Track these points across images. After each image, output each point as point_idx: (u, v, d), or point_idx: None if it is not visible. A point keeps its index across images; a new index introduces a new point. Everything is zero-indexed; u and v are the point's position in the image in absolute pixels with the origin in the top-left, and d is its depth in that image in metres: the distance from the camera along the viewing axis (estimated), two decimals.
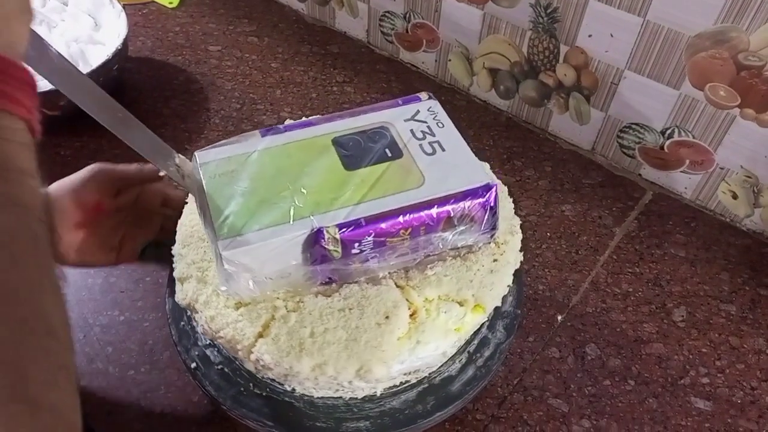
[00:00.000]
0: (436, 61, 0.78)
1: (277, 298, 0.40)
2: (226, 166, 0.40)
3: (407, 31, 0.79)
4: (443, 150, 0.42)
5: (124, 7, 0.74)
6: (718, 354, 0.53)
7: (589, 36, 0.62)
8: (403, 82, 0.79)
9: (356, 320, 0.39)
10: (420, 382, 0.43)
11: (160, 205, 0.52)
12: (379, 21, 0.81)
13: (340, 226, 0.37)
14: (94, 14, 0.76)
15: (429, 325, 0.39)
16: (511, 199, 0.49)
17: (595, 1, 0.59)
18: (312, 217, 0.37)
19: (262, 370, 0.39)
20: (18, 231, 0.25)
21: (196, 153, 0.42)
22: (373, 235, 0.37)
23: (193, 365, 0.44)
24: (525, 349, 0.53)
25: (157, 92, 0.77)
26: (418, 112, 0.44)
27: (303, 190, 0.39)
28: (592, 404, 0.50)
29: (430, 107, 0.45)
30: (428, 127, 0.43)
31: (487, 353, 0.45)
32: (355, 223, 0.37)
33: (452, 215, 0.39)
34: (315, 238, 0.36)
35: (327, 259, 0.38)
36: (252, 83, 0.79)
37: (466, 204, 0.39)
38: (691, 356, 0.53)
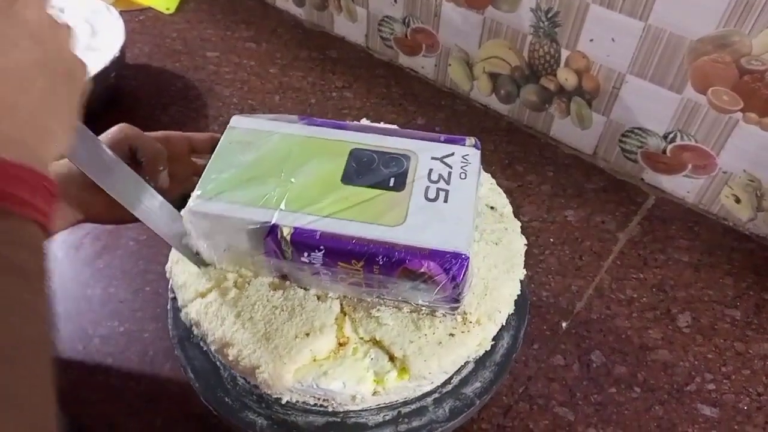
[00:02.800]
0: (435, 65, 0.78)
1: (232, 271, 0.42)
2: (247, 137, 0.42)
3: (407, 36, 0.78)
4: (445, 201, 0.38)
5: (121, 14, 0.73)
6: (724, 360, 0.53)
7: (591, 40, 0.62)
8: (402, 87, 0.79)
9: (280, 323, 0.39)
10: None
11: (188, 153, 0.52)
12: (378, 26, 0.80)
13: (296, 230, 0.36)
14: (90, 21, 0.75)
15: (348, 362, 0.38)
16: (522, 279, 0.44)
17: (596, 6, 0.59)
18: (277, 211, 0.37)
19: (193, 328, 0.42)
20: (16, 338, 0.26)
21: (234, 116, 0.44)
22: (323, 251, 0.36)
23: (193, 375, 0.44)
24: (530, 356, 0.53)
25: (154, 99, 0.76)
26: (451, 154, 0.40)
27: (291, 181, 0.39)
28: (598, 412, 0.50)
29: (467, 155, 0.40)
30: (449, 173, 0.39)
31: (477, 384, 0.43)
32: (310, 234, 0.36)
33: (409, 268, 0.35)
34: (269, 231, 0.36)
35: (279, 256, 0.37)
36: (250, 89, 0.78)
37: (429, 264, 0.35)
38: (696, 362, 0.53)
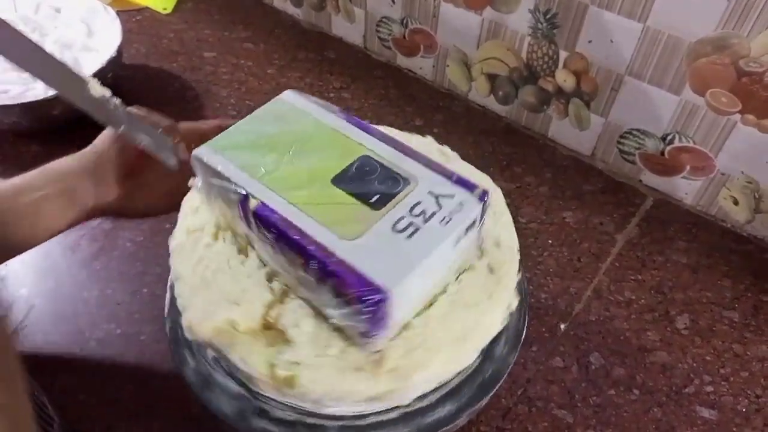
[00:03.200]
0: (434, 66, 0.78)
1: (215, 217, 0.43)
2: (285, 111, 0.42)
3: (405, 37, 0.78)
4: (409, 237, 0.35)
5: (117, 14, 0.73)
6: (722, 362, 0.53)
7: (589, 42, 0.62)
8: (400, 88, 0.79)
9: (223, 281, 0.40)
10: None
11: (198, 142, 0.51)
12: (376, 26, 0.80)
13: (261, 205, 0.37)
14: (87, 21, 0.75)
15: (259, 344, 0.38)
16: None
17: (595, 7, 0.59)
18: (258, 183, 0.38)
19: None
20: None
21: (288, 91, 0.44)
22: (275, 234, 0.36)
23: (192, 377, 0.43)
24: (528, 359, 0.53)
25: (151, 100, 0.76)
26: (450, 196, 0.37)
27: (291, 163, 0.39)
28: (597, 414, 0.50)
29: (465, 202, 0.37)
30: (434, 213, 0.36)
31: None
32: (270, 213, 0.36)
33: (336, 284, 0.34)
34: (242, 198, 0.38)
35: (246, 223, 0.38)
36: (248, 90, 0.78)
37: (352, 286, 0.33)
38: (695, 364, 0.53)
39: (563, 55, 0.65)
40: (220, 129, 0.49)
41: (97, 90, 0.42)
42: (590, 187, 0.68)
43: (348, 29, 0.84)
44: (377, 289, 0.32)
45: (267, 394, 0.39)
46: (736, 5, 0.51)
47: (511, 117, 0.74)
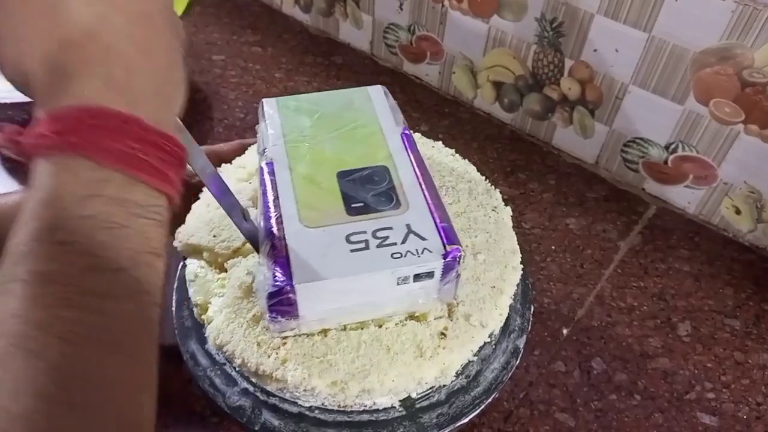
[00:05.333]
0: (440, 73, 0.79)
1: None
2: (358, 101, 0.45)
3: (411, 43, 0.79)
4: (351, 252, 0.35)
5: None
6: (723, 369, 0.53)
7: (594, 50, 0.63)
8: (406, 94, 0.80)
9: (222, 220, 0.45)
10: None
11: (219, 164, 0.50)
12: (384, 33, 0.81)
13: (268, 163, 0.40)
14: None
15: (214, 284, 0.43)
16: None
17: (600, 16, 0.60)
18: (285, 146, 0.41)
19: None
20: (137, 322, 0.26)
21: (378, 86, 0.46)
22: (262, 191, 0.39)
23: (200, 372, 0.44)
24: (531, 362, 0.53)
25: None
26: (423, 239, 0.36)
27: (323, 143, 0.41)
28: (598, 419, 0.50)
29: (430, 251, 0.36)
30: (392, 243, 0.35)
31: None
32: (268, 173, 0.39)
33: (270, 252, 0.35)
34: (263, 151, 0.41)
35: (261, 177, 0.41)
36: (256, 93, 0.79)
37: (271, 265, 0.34)
38: (696, 371, 0.53)
39: (568, 63, 0.65)
40: (243, 147, 0.49)
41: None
42: (594, 194, 0.68)
43: (355, 35, 0.85)
44: (286, 278, 0.34)
45: (269, 388, 0.40)
46: (741, 16, 0.52)
47: (516, 124, 0.75)
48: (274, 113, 0.44)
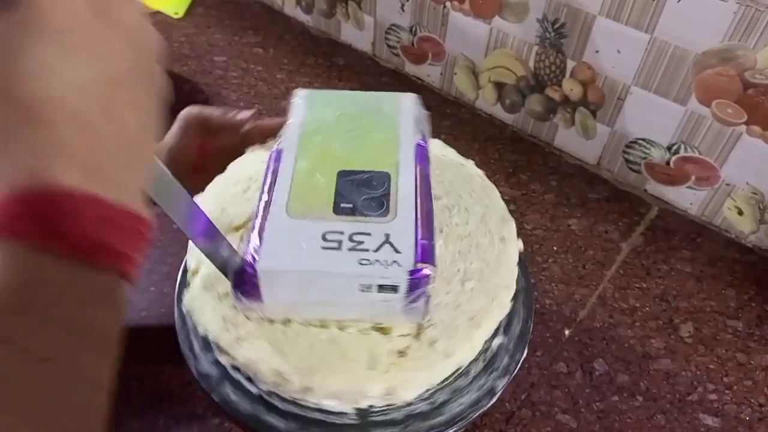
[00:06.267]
0: (441, 74, 0.79)
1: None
2: (387, 106, 0.45)
3: (413, 44, 0.79)
4: (321, 249, 0.35)
5: None
6: (726, 370, 0.53)
7: (596, 52, 0.63)
8: None
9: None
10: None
11: (239, 140, 0.50)
12: (385, 34, 0.81)
13: (277, 151, 0.41)
14: None
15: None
16: None
17: (602, 18, 0.60)
18: (299, 136, 0.42)
19: None
20: (86, 412, 0.23)
21: (413, 95, 0.47)
22: (264, 175, 0.41)
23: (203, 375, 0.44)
24: (533, 363, 0.53)
25: None
26: (396, 251, 0.35)
27: (336, 139, 0.42)
28: (600, 420, 0.50)
29: (398, 264, 0.35)
30: (364, 249, 0.35)
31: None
32: (274, 160, 0.41)
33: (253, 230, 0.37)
34: (277, 150, 0.42)
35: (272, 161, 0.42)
36: (257, 94, 0.79)
37: (247, 245, 0.36)
38: (698, 372, 0.53)
39: (570, 64, 0.65)
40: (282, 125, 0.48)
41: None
42: (595, 195, 0.68)
43: (357, 36, 0.85)
44: (253, 261, 0.35)
45: (222, 361, 0.40)
46: (743, 17, 0.52)
47: (518, 125, 0.75)
48: (302, 104, 0.45)
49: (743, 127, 0.57)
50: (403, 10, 0.76)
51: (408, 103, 0.46)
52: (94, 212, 0.22)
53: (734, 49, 0.54)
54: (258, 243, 0.35)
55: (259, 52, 0.86)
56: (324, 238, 0.36)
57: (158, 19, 0.90)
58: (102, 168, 0.23)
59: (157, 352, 0.53)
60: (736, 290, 0.59)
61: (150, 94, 0.26)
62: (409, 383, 0.37)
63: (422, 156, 0.41)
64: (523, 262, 0.45)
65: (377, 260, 0.35)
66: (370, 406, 0.38)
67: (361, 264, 0.34)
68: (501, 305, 0.40)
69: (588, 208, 0.66)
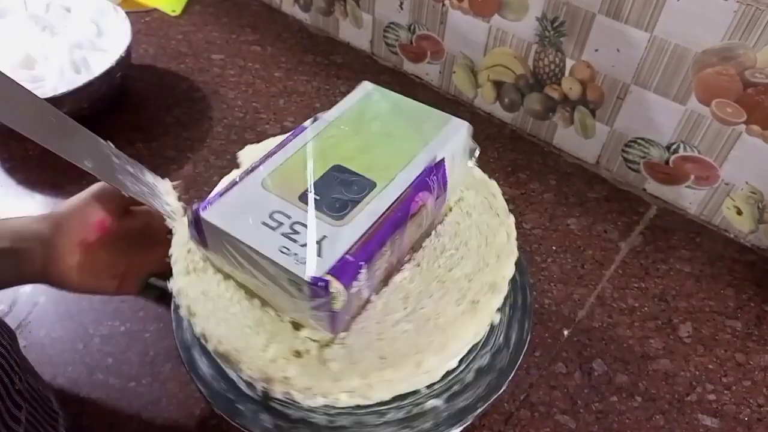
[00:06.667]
0: (440, 72, 0.78)
1: None
2: (428, 124, 0.43)
3: (412, 43, 0.79)
4: (261, 224, 0.36)
5: (127, 14, 0.73)
6: (725, 371, 0.53)
7: (596, 50, 0.62)
8: (406, 94, 0.78)
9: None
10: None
11: (168, 234, 0.48)
12: (384, 32, 0.81)
13: (289, 133, 0.43)
14: (97, 21, 0.76)
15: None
16: None
17: (602, 16, 0.60)
18: (320, 125, 0.43)
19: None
20: None
21: (460, 121, 0.43)
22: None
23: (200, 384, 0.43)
24: (531, 364, 0.53)
25: (159, 100, 0.77)
26: (317, 244, 0.35)
27: (354, 133, 0.42)
28: (599, 420, 0.50)
29: (302, 262, 0.34)
30: (292, 240, 0.35)
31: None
32: (287, 139, 0.42)
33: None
34: (301, 126, 0.43)
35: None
36: (255, 92, 0.79)
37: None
38: (697, 372, 0.53)
39: (569, 63, 0.65)
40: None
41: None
42: (594, 194, 0.68)
43: (355, 34, 0.85)
44: (203, 206, 0.37)
45: (272, 393, 0.40)
46: (743, 16, 0.52)
47: (517, 124, 0.75)
48: (357, 96, 0.45)
49: (743, 127, 0.57)
50: (401, 8, 0.76)
51: (455, 128, 0.42)
52: None
53: (734, 48, 0.54)
54: (219, 194, 0.38)
55: (256, 50, 0.85)
56: (270, 216, 0.36)
57: (155, 16, 0.90)
58: None
59: (156, 351, 0.52)
60: (735, 290, 0.59)
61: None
62: (289, 383, 0.36)
63: (420, 180, 0.39)
64: (522, 260, 0.45)
65: (296, 254, 0.34)
66: (265, 389, 0.38)
67: (279, 251, 0.34)
68: (427, 374, 0.37)
69: (587, 207, 0.66)
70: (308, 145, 0.41)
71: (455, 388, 0.42)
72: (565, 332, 0.55)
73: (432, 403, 0.40)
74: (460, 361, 0.42)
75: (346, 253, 0.34)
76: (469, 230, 0.43)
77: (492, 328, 0.43)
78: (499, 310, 0.40)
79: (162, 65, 0.82)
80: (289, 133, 0.42)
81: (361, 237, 0.35)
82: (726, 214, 0.63)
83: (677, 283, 0.59)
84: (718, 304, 0.58)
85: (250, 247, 0.35)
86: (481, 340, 0.42)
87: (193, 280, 0.40)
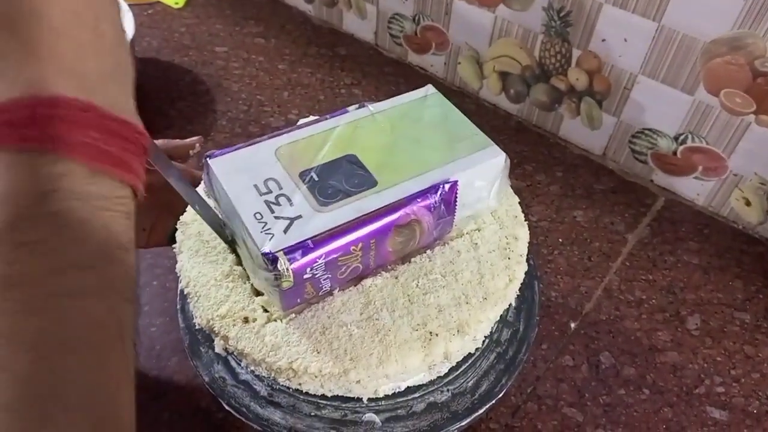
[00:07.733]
0: (445, 63, 0.78)
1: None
2: (462, 131, 0.43)
3: (416, 34, 0.78)
4: (244, 196, 0.37)
5: (130, 7, 0.73)
6: (733, 363, 0.53)
7: (603, 40, 0.62)
8: (411, 85, 0.78)
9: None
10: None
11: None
12: (388, 23, 0.80)
13: (344, 109, 0.44)
14: None
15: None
16: None
17: (609, 6, 0.59)
18: (362, 115, 0.43)
19: None
20: (108, 323, 0.24)
21: (494, 149, 0.41)
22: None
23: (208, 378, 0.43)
24: (538, 357, 0.52)
25: (163, 93, 0.76)
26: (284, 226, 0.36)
27: (380, 132, 0.42)
28: (607, 413, 0.49)
29: (268, 243, 0.35)
30: (266, 223, 0.35)
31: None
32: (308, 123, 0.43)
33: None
34: (346, 107, 0.45)
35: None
36: (259, 85, 0.78)
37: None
38: (705, 365, 0.53)
39: (576, 53, 0.64)
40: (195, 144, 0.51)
41: None
42: (601, 186, 0.67)
43: (359, 26, 0.84)
44: (213, 155, 0.39)
45: (275, 384, 0.40)
46: (753, 5, 0.51)
47: (523, 115, 0.74)
48: (414, 95, 0.45)
49: (752, 117, 0.57)
50: None
51: (486, 154, 0.40)
52: (95, 120, 0.24)
53: (744, 38, 0.53)
54: (236, 148, 0.40)
55: (260, 42, 0.85)
56: (264, 182, 0.37)
57: (158, 9, 0.89)
58: (91, 76, 0.24)
59: (162, 346, 0.52)
60: (743, 282, 0.59)
61: (115, 5, 0.27)
62: (228, 343, 0.37)
63: (425, 199, 0.37)
64: (529, 254, 0.44)
65: (265, 223, 0.35)
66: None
67: (254, 215, 0.36)
68: (345, 375, 0.36)
69: (594, 199, 0.66)
70: (338, 128, 0.41)
71: (399, 412, 0.40)
72: (572, 325, 0.55)
73: (370, 417, 0.39)
74: (417, 389, 0.41)
75: (310, 238, 0.34)
76: (468, 263, 0.40)
77: (486, 341, 0.43)
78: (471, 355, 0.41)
79: (165, 58, 0.81)
80: (332, 112, 0.43)
81: (333, 228, 0.35)
82: (734, 206, 0.63)
83: (685, 275, 0.59)
84: (727, 296, 0.58)
85: (231, 203, 0.36)
86: (436, 373, 0.41)
87: (198, 223, 0.42)
